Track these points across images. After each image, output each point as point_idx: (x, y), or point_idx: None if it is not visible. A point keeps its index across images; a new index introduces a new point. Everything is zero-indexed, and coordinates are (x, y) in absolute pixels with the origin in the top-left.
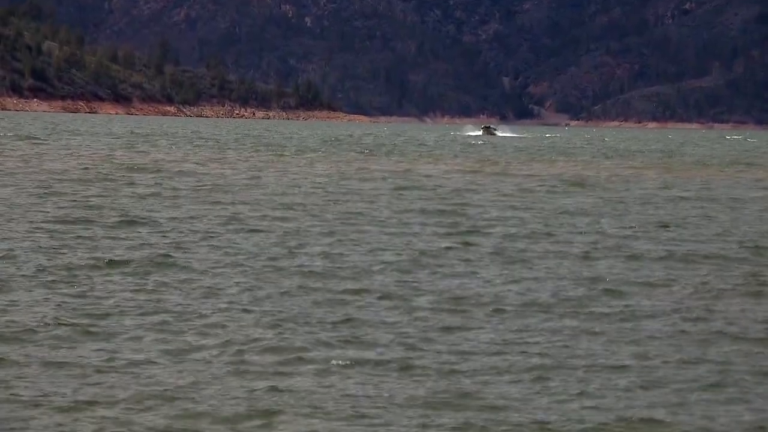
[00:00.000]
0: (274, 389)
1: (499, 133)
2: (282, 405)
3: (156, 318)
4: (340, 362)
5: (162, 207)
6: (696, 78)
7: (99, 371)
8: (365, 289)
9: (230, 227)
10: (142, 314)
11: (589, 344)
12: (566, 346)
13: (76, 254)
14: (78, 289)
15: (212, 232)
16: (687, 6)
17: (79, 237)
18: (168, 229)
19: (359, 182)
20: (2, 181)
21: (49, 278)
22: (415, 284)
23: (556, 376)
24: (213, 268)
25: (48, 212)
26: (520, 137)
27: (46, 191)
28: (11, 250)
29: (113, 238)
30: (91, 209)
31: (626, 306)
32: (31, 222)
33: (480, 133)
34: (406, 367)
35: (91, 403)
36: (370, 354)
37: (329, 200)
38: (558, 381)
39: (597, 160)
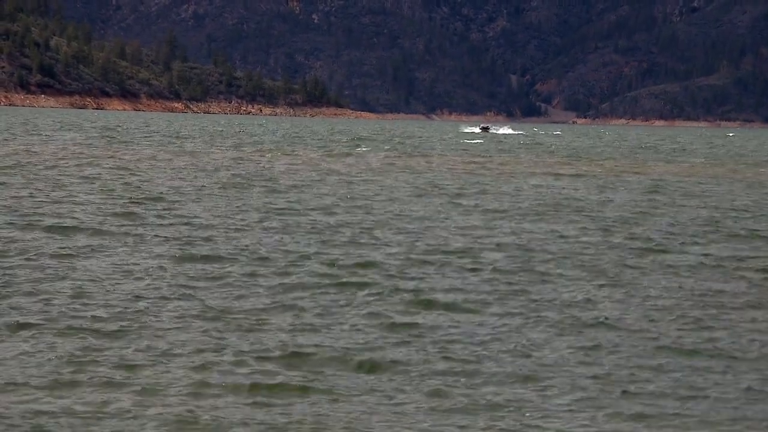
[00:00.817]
0: (302, 386)
1: (496, 131)
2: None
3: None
4: (355, 362)
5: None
6: (704, 76)
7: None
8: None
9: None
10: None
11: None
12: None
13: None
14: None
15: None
16: (695, 3)
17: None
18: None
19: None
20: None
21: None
22: (430, 281)
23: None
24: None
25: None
26: (516, 134)
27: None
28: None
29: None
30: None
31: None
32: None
33: (478, 130)
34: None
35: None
36: (384, 356)
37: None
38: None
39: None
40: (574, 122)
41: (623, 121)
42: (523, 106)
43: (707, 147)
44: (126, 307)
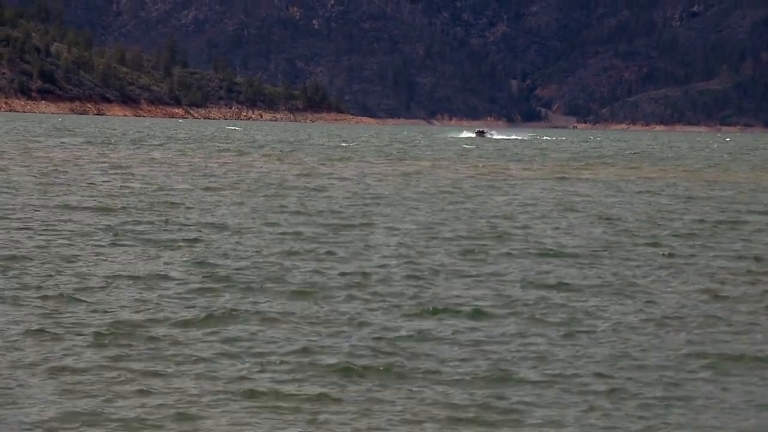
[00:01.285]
0: (291, 393)
1: (492, 136)
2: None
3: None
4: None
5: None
6: (704, 80)
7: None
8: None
9: None
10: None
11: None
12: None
13: None
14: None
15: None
16: (695, 8)
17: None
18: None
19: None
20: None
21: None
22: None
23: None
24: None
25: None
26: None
27: None
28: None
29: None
30: None
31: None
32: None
33: (473, 135)
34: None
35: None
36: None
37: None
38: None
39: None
40: (574, 127)
41: (623, 125)
42: (524, 111)
43: (706, 152)
44: (132, 313)
